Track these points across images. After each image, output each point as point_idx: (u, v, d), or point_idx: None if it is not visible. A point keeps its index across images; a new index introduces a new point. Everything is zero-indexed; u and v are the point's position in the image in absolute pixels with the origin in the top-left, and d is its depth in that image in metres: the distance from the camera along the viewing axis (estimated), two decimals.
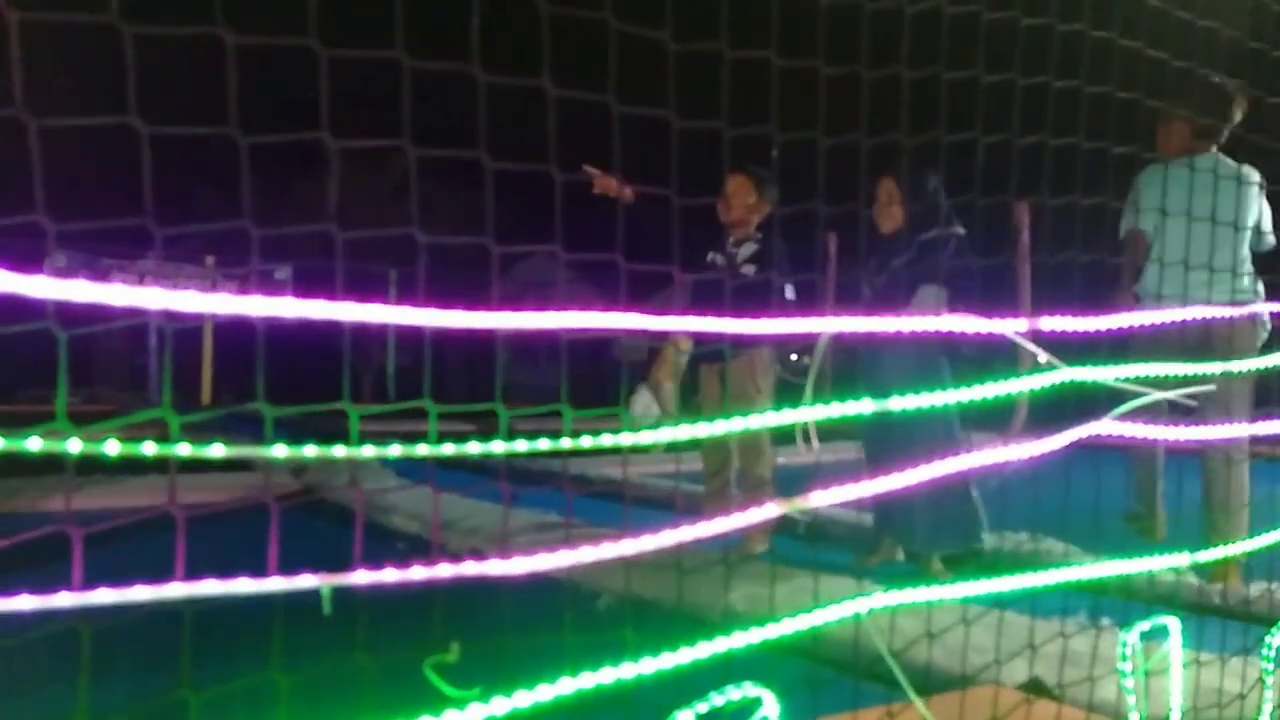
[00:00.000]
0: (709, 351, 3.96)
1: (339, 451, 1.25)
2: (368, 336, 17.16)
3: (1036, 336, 1.88)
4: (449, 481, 4.79)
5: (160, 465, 1.18)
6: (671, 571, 2.33)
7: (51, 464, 1.18)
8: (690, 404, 4.58)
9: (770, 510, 1.50)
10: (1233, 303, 3.48)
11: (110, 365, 18.23)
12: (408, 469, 6.02)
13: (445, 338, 1.38)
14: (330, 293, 1.23)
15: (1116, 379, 1.99)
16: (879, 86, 1.73)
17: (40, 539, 1.15)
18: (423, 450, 1.30)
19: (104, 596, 1.02)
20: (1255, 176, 3.76)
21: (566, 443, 1.43)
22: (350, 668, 1.25)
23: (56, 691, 1.18)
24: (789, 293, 3.92)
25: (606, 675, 1.48)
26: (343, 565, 1.21)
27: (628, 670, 1.51)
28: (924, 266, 3.62)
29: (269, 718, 1.18)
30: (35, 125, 1.01)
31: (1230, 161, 3.84)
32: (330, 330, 1.24)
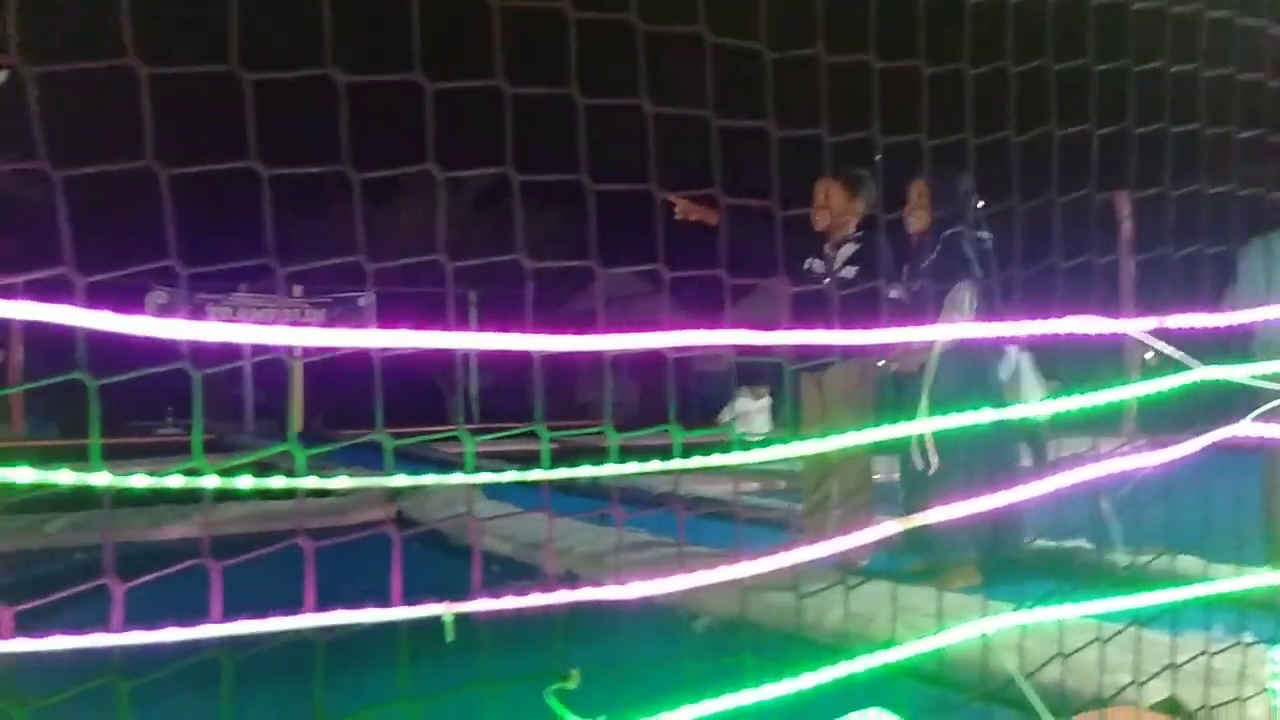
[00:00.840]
0: (811, 360, 3.87)
1: (457, 479, 1.25)
2: (450, 359, 17.50)
3: (1163, 335, 1.77)
4: (535, 501, 4.77)
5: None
6: (774, 592, 2.27)
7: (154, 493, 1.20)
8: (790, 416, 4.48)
9: (891, 528, 1.44)
10: None
11: (207, 395, 19.05)
12: (495, 490, 6.06)
13: (523, 357, 1.38)
14: (413, 317, 1.23)
15: (1254, 377, 1.86)
16: (945, 81, 1.66)
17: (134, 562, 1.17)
18: (537, 475, 1.29)
19: (244, 628, 1.04)
20: None
21: (665, 463, 1.40)
22: (475, 693, 1.24)
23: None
24: (894, 292, 3.79)
25: (728, 701, 1.45)
26: (442, 589, 1.20)
27: (749, 696, 1.46)
28: (943, 266, 3.51)
29: None
30: (165, 176, 1.04)
31: None
32: (416, 355, 1.23)
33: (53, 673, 1.06)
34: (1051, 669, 1.81)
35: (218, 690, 1.10)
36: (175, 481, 1.03)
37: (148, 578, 1.13)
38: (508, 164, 1.31)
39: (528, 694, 1.40)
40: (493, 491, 5.91)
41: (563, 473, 1.30)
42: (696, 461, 1.39)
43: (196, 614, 1.07)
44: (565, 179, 1.41)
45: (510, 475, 1.23)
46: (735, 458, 1.53)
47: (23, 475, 0.98)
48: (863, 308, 3.51)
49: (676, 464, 1.33)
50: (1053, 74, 1.71)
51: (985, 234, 3.71)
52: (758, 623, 2.51)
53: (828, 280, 3.90)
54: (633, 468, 1.35)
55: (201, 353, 1.14)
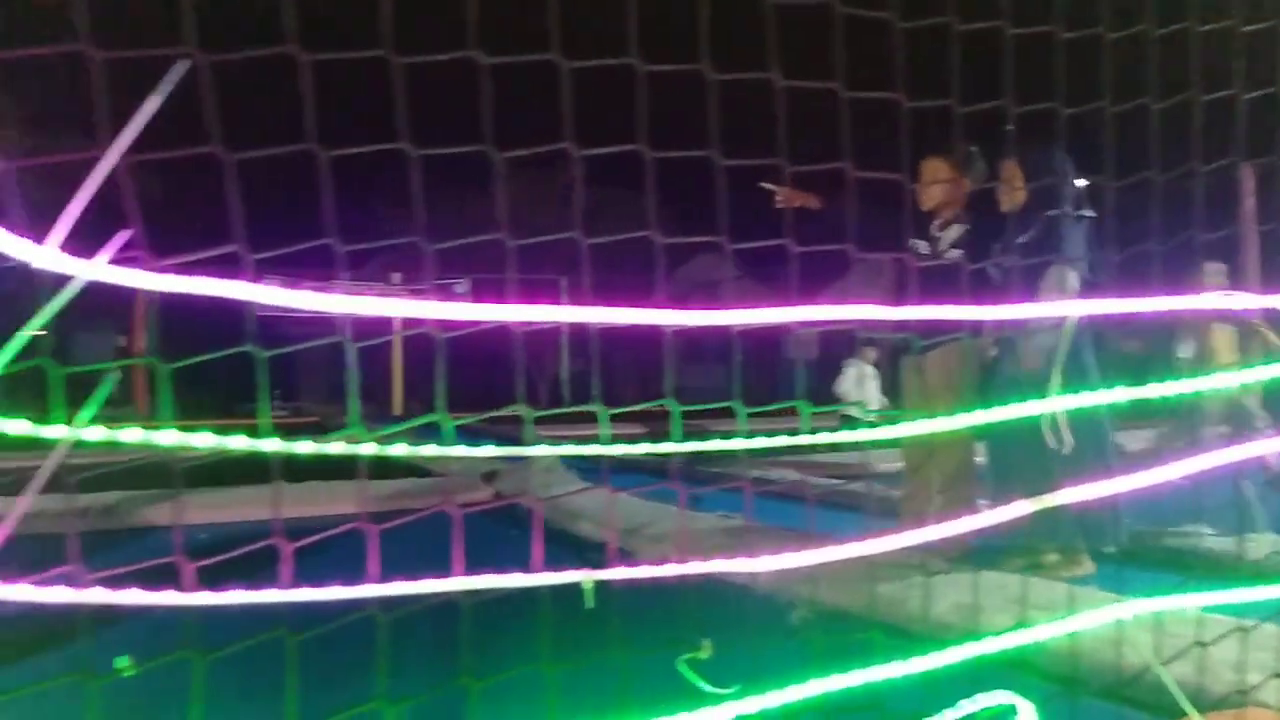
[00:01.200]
0: (913, 343, 3.80)
1: (593, 450, 1.28)
2: (543, 344, 17.85)
3: None
4: (624, 484, 4.79)
5: (348, 472, 1.25)
6: (879, 582, 2.22)
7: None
8: (895, 399, 4.41)
9: (1019, 509, 1.41)
10: None
11: (311, 380, 19.87)
12: (589, 472, 6.16)
13: (615, 342, 1.38)
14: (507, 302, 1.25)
15: None
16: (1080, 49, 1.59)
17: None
18: (668, 448, 1.31)
19: (398, 589, 1.08)
20: None
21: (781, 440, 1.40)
22: (610, 661, 1.27)
23: (351, 677, 1.28)
24: (994, 274, 3.67)
25: (854, 678, 1.44)
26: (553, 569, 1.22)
27: (875, 674, 1.46)
28: (1046, 245, 3.38)
29: (538, 705, 1.22)
30: (325, 157, 1.08)
31: None
32: (509, 339, 1.25)
33: (226, 625, 1.13)
34: (1183, 665, 1.73)
35: (373, 645, 1.15)
36: (336, 448, 1.08)
37: (308, 540, 1.19)
38: (640, 141, 1.32)
39: (657, 663, 1.42)
40: (589, 476, 6.02)
41: (693, 445, 1.31)
42: (824, 438, 1.39)
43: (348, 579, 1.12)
44: (692, 154, 1.41)
45: (644, 447, 1.25)
46: (845, 436, 1.52)
47: (204, 440, 1.05)
48: (969, 290, 3.42)
49: (805, 439, 1.33)
50: (1197, 36, 1.63)
51: (1087, 212, 3.57)
52: (860, 614, 2.48)
53: (932, 261, 3.81)
54: (761, 442, 1.36)
55: (320, 334, 1.20)
